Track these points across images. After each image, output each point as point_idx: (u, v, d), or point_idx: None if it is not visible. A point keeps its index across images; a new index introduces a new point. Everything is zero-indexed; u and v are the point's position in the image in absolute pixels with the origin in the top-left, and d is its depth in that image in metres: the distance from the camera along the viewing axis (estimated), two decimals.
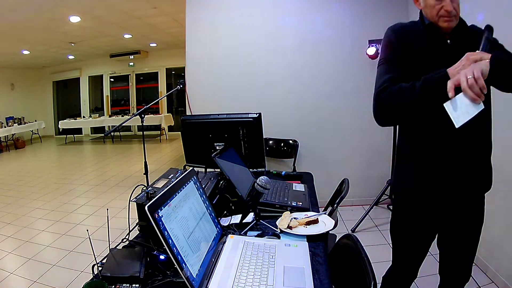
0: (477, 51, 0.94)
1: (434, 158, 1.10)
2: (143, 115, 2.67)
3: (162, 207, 0.83)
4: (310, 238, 1.10)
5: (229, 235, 1.10)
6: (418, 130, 1.13)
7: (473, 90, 0.84)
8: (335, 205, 1.52)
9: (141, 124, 2.64)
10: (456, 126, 0.88)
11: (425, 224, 1.21)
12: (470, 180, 1.10)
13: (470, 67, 0.88)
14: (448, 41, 1.08)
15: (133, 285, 0.88)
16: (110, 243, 1.09)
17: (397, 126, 1.29)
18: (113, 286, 0.87)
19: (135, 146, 8.42)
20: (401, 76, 1.06)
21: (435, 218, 1.20)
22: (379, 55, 1.18)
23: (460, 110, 0.87)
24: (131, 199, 1.20)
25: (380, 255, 2.31)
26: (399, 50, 1.10)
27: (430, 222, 1.21)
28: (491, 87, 1.05)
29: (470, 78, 0.84)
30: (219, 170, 1.41)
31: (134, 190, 1.26)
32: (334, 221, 1.19)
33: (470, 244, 1.20)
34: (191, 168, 1.18)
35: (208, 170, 1.70)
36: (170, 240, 0.79)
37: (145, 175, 2.73)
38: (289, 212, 1.25)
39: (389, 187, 3.02)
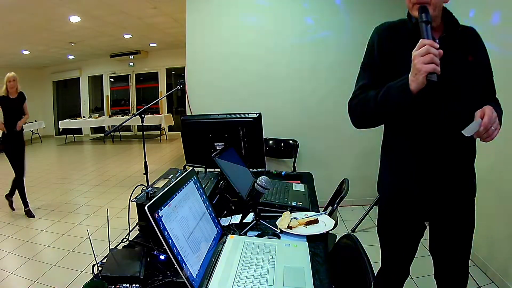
0: (420, 39, 0.90)
1: (416, 163, 1.09)
2: (143, 115, 2.67)
3: (162, 207, 0.83)
4: (310, 238, 1.10)
5: (229, 235, 1.10)
6: (399, 136, 1.13)
7: (485, 134, 0.91)
8: (335, 205, 1.52)
9: (141, 124, 2.64)
10: (461, 131, 0.93)
11: (411, 223, 1.21)
12: (452, 187, 1.09)
13: (496, 118, 0.92)
14: (437, 40, 1.03)
15: (133, 285, 0.88)
16: (110, 243, 1.09)
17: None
18: (113, 286, 0.87)
19: (135, 146, 8.42)
20: (375, 82, 1.04)
21: (421, 218, 1.20)
22: None
23: (471, 128, 0.93)
24: (131, 199, 1.20)
25: (380, 255, 2.31)
26: (378, 55, 1.07)
27: (415, 222, 1.20)
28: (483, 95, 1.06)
29: (493, 129, 0.91)
30: (219, 170, 1.41)
31: (134, 190, 1.26)
32: (334, 221, 1.19)
33: (462, 248, 1.18)
34: (191, 168, 1.18)
35: (208, 170, 1.70)
36: (170, 240, 0.79)
37: (145, 175, 2.73)
38: (289, 212, 1.25)
39: None
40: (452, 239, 1.17)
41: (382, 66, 1.06)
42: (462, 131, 0.91)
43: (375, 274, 1.37)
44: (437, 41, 1.00)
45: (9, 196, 3.68)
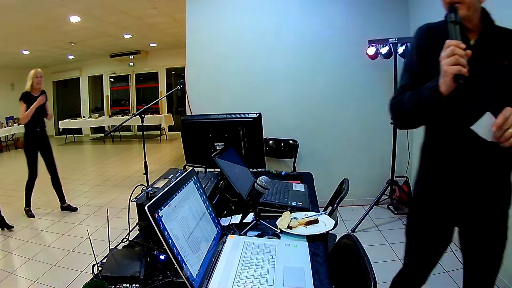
0: (447, 40, 0.88)
1: (443, 167, 1.09)
2: (143, 115, 2.68)
3: (162, 207, 0.83)
4: (310, 238, 1.10)
5: (229, 235, 1.10)
6: (429, 138, 1.13)
7: (502, 135, 0.84)
8: (335, 205, 1.52)
9: (141, 124, 2.64)
10: (471, 126, 0.89)
11: (437, 229, 1.19)
12: (479, 194, 1.06)
13: None
14: (472, 41, 0.99)
15: (133, 285, 0.88)
16: (110, 243, 1.09)
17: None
18: (113, 286, 0.87)
19: (135, 146, 8.42)
20: (414, 83, 1.04)
21: (447, 225, 1.18)
22: None
23: (483, 125, 0.88)
24: (131, 199, 1.20)
25: (380, 255, 2.31)
26: (416, 56, 1.08)
27: (441, 229, 1.19)
28: None
29: (511, 132, 0.83)
30: (219, 170, 1.40)
31: (134, 190, 1.26)
32: (334, 221, 1.19)
33: (489, 260, 1.15)
34: (191, 168, 1.18)
35: (208, 170, 1.70)
36: (170, 240, 0.79)
37: (145, 175, 2.73)
38: (289, 212, 1.25)
39: (389, 187, 3.02)
40: (479, 250, 1.13)
41: (420, 68, 1.06)
42: (472, 127, 0.88)
43: (394, 275, 1.35)
44: (471, 42, 0.98)
45: (63, 203, 3.64)
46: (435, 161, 1.12)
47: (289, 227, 1.14)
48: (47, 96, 3.44)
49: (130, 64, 9.82)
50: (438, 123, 1.07)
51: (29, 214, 3.48)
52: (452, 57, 0.85)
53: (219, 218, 1.19)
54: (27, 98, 3.27)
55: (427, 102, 0.95)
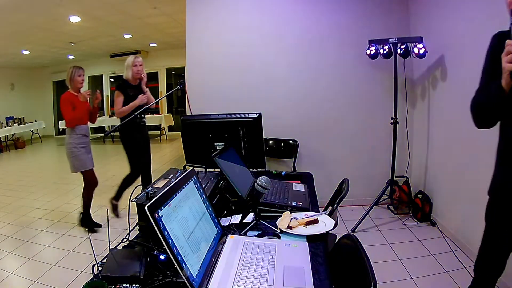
0: (507, 40, 0.95)
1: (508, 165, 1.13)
2: (143, 115, 2.68)
3: (162, 207, 0.83)
4: (310, 238, 1.10)
5: (229, 235, 1.10)
6: (501, 134, 1.18)
7: None
8: (335, 205, 1.52)
9: None
10: None
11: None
12: None
13: None
14: None
15: (133, 285, 0.88)
16: (110, 243, 1.09)
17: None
18: (113, 286, 0.87)
19: None
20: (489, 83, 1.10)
21: None
22: None
23: None
24: (131, 199, 1.20)
25: (380, 255, 2.31)
26: (490, 61, 1.15)
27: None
28: None
29: None
30: (219, 170, 1.41)
31: (134, 190, 1.26)
32: (334, 221, 1.19)
33: None
34: (191, 168, 1.18)
35: (208, 170, 1.70)
36: (170, 240, 0.79)
37: None
38: (289, 212, 1.25)
39: (389, 187, 3.02)
40: None
41: (492, 70, 1.12)
42: None
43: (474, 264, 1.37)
44: None
45: (115, 200, 3.21)
46: (501, 157, 1.18)
47: (289, 227, 1.14)
48: (145, 85, 3.15)
49: None
50: (509, 122, 1.12)
51: (115, 209, 3.18)
52: (509, 55, 0.93)
53: (219, 218, 1.19)
54: (124, 88, 3.03)
55: (494, 96, 1.03)
